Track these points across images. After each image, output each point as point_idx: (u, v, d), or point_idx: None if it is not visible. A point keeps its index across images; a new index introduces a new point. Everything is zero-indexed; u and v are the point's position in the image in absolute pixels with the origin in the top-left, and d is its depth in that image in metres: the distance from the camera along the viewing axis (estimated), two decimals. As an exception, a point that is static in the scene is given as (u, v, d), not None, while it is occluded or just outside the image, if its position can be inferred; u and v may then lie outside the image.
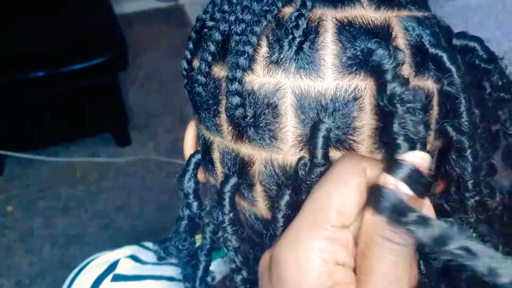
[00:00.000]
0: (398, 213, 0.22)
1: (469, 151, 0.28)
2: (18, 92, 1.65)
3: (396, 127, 0.24)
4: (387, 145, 0.28)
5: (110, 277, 0.44)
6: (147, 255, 0.47)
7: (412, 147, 0.24)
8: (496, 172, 0.33)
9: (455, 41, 0.31)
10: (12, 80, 1.60)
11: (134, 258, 0.46)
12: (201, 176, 0.36)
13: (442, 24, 0.31)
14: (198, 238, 0.36)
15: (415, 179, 0.23)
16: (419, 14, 0.29)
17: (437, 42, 0.29)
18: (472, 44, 0.31)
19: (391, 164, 0.23)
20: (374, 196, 0.23)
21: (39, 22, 1.74)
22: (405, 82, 0.25)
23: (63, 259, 1.55)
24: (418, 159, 0.23)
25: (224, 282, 0.40)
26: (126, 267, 0.45)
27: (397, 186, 0.23)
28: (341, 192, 0.24)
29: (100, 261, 0.46)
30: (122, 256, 0.46)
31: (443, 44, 0.29)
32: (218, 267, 0.43)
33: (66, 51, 1.66)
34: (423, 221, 0.21)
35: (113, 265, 0.45)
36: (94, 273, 0.44)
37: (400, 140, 0.24)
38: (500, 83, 0.31)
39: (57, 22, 1.75)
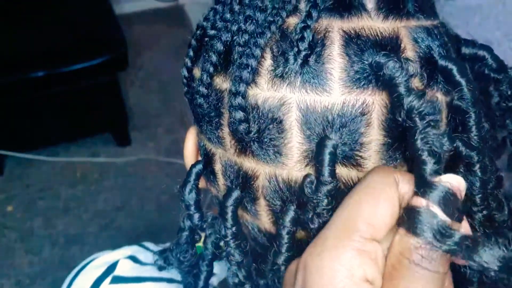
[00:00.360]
0: (440, 235, 0.21)
1: (477, 166, 0.27)
2: (18, 92, 1.65)
3: (419, 143, 0.23)
4: (409, 162, 0.27)
5: (109, 279, 0.43)
6: (146, 256, 0.46)
7: (438, 162, 0.23)
8: (503, 184, 0.32)
9: (464, 50, 0.30)
10: (12, 80, 1.60)
11: (133, 259, 0.45)
12: (202, 183, 0.35)
13: (450, 32, 0.30)
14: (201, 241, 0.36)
15: (450, 203, 0.22)
16: (428, 23, 0.28)
17: (447, 54, 0.28)
18: (481, 53, 0.30)
19: (423, 185, 0.23)
20: (408, 217, 0.23)
21: (39, 22, 1.73)
22: (422, 94, 0.24)
23: (63, 259, 1.55)
24: (454, 182, 0.23)
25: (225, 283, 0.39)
26: (125, 268, 0.44)
27: (431, 209, 0.22)
28: (372, 203, 0.23)
29: (99, 262, 0.45)
30: (121, 257, 0.45)
31: (453, 56, 0.29)
32: (219, 270, 0.43)
33: (66, 51, 1.65)
34: (469, 242, 0.21)
35: (112, 266, 0.44)
36: (93, 275, 0.44)
37: (425, 156, 0.23)
38: (509, 92, 0.31)
39: (57, 22, 1.75)
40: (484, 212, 0.28)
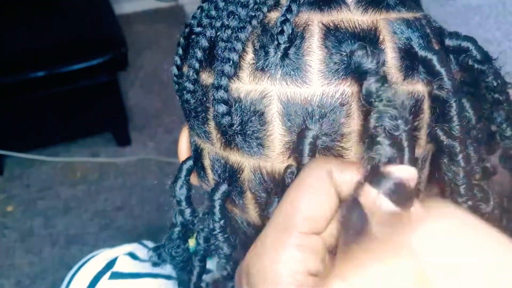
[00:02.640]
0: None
1: (460, 156, 0.27)
2: (18, 92, 1.65)
3: (372, 122, 0.23)
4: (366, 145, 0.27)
5: (108, 274, 0.44)
6: (145, 253, 0.46)
7: (393, 145, 0.22)
8: (491, 176, 0.32)
9: (448, 42, 0.30)
10: (12, 80, 1.60)
11: (132, 255, 0.46)
12: (195, 180, 0.35)
13: (433, 24, 0.30)
14: (192, 239, 0.36)
15: (400, 193, 0.21)
16: (409, 15, 0.29)
17: (427, 45, 0.28)
18: (465, 44, 0.30)
19: (375, 175, 0.22)
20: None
21: (39, 21, 1.74)
22: (383, 79, 0.24)
23: (63, 259, 1.55)
24: (406, 173, 0.22)
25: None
26: (124, 264, 0.45)
27: (379, 200, 0.21)
28: (307, 198, 0.23)
29: (98, 259, 0.46)
30: (120, 254, 0.46)
31: (433, 47, 0.29)
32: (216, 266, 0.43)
33: (66, 51, 1.66)
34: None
35: (112, 263, 0.45)
36: (92, 271, 0.44)
37: (381, 137, 0.23)
38: (495, 84, 0.31)
39: (57, 22, 1.75)
40: (469, 203, 0.28)
